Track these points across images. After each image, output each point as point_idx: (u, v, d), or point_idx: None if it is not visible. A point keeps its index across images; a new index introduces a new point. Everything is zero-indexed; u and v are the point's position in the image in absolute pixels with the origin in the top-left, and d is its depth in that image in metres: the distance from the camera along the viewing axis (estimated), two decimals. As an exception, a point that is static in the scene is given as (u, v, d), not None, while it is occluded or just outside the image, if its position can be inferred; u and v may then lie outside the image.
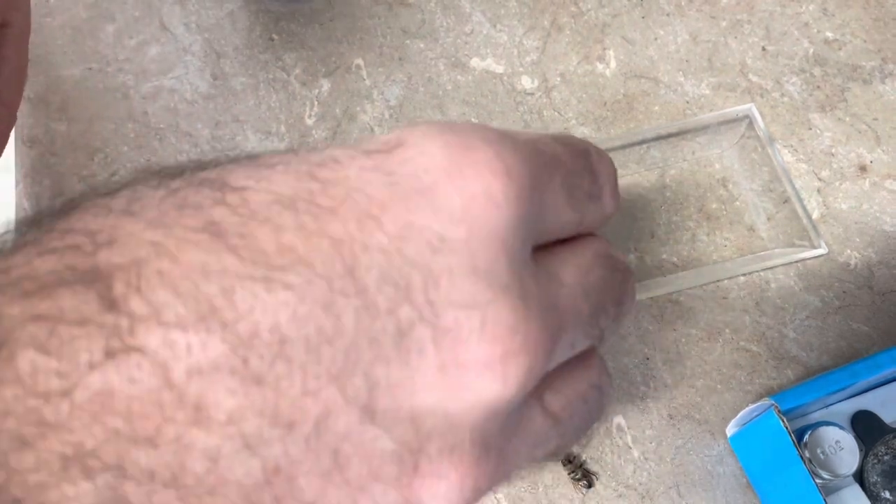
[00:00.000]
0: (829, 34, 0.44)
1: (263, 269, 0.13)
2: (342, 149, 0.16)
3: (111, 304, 0.13)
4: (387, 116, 0.42)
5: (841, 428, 0.32)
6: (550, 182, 0.17)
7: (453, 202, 0.15)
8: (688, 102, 0.42)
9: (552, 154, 0.18)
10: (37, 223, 0.15)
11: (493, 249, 0.15)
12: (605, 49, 0.44)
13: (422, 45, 0.44)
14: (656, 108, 0.42)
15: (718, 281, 0.38)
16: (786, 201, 0.39)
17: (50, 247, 0.14)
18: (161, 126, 0.42)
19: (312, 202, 0.14)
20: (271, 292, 0.13)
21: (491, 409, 0.15)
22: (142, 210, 0.14)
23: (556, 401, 0.18)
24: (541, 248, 0.19)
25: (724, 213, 0.39)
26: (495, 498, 0.34)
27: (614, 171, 0.22)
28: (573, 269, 0.18)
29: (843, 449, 0.31)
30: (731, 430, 0.35)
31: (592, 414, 0.20)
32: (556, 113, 0.42)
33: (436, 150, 0.15)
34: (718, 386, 0.36)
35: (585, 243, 0.20)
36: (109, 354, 0.13)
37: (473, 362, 0.14)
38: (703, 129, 0.40)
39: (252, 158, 0.16)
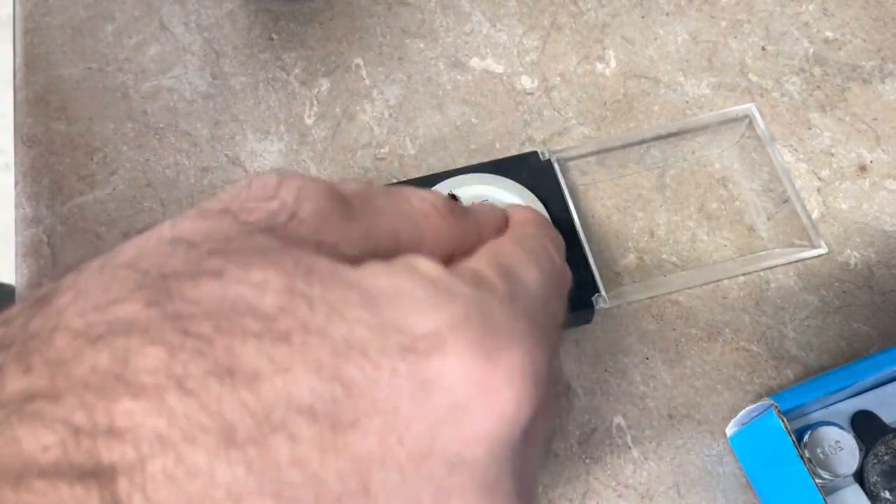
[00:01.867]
0: (829, 34, 0.44)
1: (274, 484, 0.13)
2: (368, 326, 0.14)
3: None
4: (386, 116, 0.42)
5: (841, 428, 0.32)
6: (554, 346, 0.17)
7: (482, 422, 0.15)
8: (687, 102, 0.42)
9: (553, 314, 0.18)
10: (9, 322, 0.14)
11: (505, 462, 0.15)
12: (604, 49, 0.44)
13: (421, 45, 0.44)
14: (656, 107, 0.42)
15: (718, 281, 0.38)
16: (786, 201, 0.38)
17: (39, 413, 0.13)
18: (160, 125, 0.42)
19: (333, 412, 0.14)
20: None
21: None
22: (140, 385, 0.13)
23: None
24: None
25: (724, 212, 0.39)
26: (495, 498, 0.34)
27: (563, 245, 0.23)
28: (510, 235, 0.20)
29: (842, 449, 0.31)
30: (730, 429, 0.35)
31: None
32: (555, 113, 0.42)
33: (474, 362, 0.14)
34: (718, 386, 0.36)
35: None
36: None
37: None
38: (703, 128, 0.40)
39: (250, 288, 0.14)
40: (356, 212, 0.18)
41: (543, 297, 0.18)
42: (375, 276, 0.15)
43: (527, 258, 0.19)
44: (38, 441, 0.12)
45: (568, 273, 0.21)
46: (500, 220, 0.22)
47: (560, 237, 0.23)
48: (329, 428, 0.13)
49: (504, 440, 0.15)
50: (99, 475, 0.12)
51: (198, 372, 0.13)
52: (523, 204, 0.37)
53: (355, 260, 0.16)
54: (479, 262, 0.17)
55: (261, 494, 0.13)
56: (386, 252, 0.17)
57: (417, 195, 0.19)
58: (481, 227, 0.21)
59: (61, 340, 0.14)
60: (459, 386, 0.14)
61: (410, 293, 0.15)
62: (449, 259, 0.19)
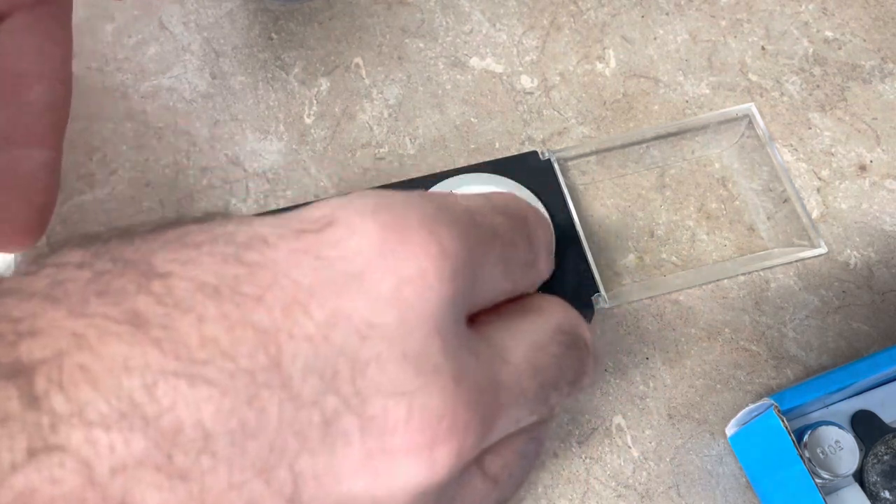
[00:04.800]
0: (829, 33, 0.44)
1: (186, 364, 0.13)
2: (271, 225, 0.15)
3: (33, 401, 0.13)
4: (386, 115, 0.42)
5: (841, 427, 0.32)
6: (486, 256, 0.17)
7: (385, 286, 0.14)
8: (687, 102, 0.42)
9: (490, 226, 0.17)
10: None
11: (424, 333, 0.15)
12: (604, 48, 0.44)
13: (421, 45, 0.44)
14: (656, 107, 0.42)
15: (718, 280, 0.38)
16: (785, 201, 0.38)
17: None
18: (160, 125, 0.42)
19: (237, 290, 0.14)
20: (194, 387, 0.13)
21: (420, 493, 0.15)
22: (64, 296, 0.14)
23: (495, 463, 0.18)
24: (491, 314, 0.18)
25: (724, 212, 0.39)
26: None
27: (551, 235, 0.21)
28: (524, 346, 0.18)
29: (842, 449, 0.31)
30: (730, 429, 0.35)
31: (530, 464, 0.19)
32: (555, 112, 0.42)
33: (368, 231, 0.15)
34: (718, 385, 0.36)
35: (546, 315, 0.19)
36: (32, 454, 0.12)
37: (400, 449, 0.14)
38: (703, 128, 0.40)
39: (179, 231, 0.15)
40: None
41: (481, 213, 0.17)
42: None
43: (472, 197, 0.19)
44: None
45: (543, 220, 0.20)
46: None
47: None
48: (234, 305, 0.14)
49: (418, 307, 0.15)
50: (18, 374, 0.13)
51: (117, 281, 0.14)
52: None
53: None
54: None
55: (174, 376, 0.13)
56: None
57: None
58: None
59: (6, 279, 0.15)
60: (355, 253, 0.15)
61: (316, 203, 0.16)
62: None
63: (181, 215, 0.18)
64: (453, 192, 0.37)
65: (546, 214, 0.37)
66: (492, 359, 0.17)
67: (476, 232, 0.17)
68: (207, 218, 0.17)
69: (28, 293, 0.14)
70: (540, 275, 0.20)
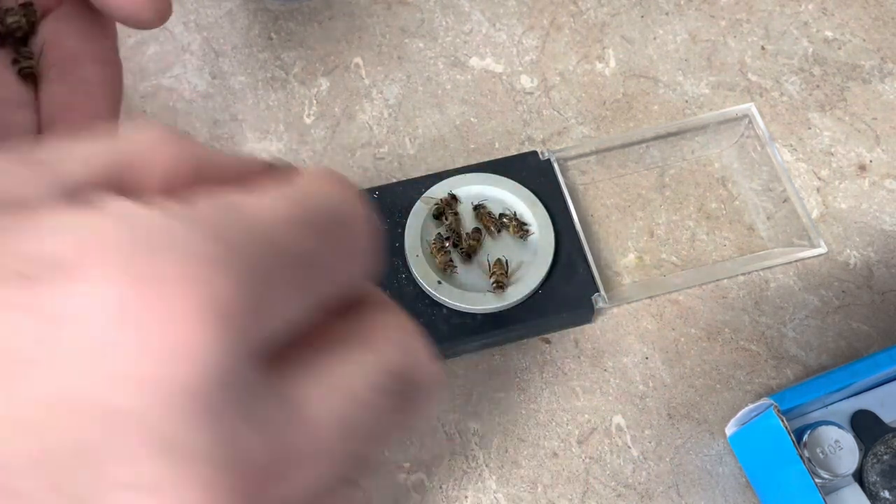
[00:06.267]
0: (829, 33, 0.44)
1: None
2: None
3: None
4: (385, 115, 0.42)
5: (840, 427, 0.32)
6: (286, 291, 0.14)
7: (129, 363, 0.12)
8: (687, 102, 0.42)
9: (295, 250, 0.14)
10: None
11: (182, 414, 0.12)
12: (604, 48, 0.44)
13: (421, 45, 0.44)
14: (655, 107, 0.42)
15: (718, 280, 0.38)
16: (785, 200, 0.38)
17: None
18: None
19: None
20: None
21: None
22: None
23: None
24: (303, 347, 0.15)
25: (724, 212, 0.39)
26: (494, 497, 0.34)
27: (374, 231, 0.16)
28: (334, 399, 0.14)
29: (842, 448, 0.31)
30: (730, 429, 0.35)
31: None
32: (555, 112, 0.42)
33: (113, 289, 0.12)
34: (718, 385, 0.36)
35: (373, 349, 0.15)
36: None
37: None
38: (703, 128, 0.40)
39: None
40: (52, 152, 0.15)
41: (282, 230, 0.14)
42: (25, 213, 0.13)
43: (270, 190, 0.15)
44: None
45: (365, 214, 0.16)
46: (258, 165, 0.17)
47: (355, 188, 0.17)
48: None
49: (173, 387, 0.12)
50: None
51: None
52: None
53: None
54: (200, 195, 0.14)
55: None
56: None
57: (137, 128, 0.16)
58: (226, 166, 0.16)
59: None
60: (94, 318, 0.12)
61: (51, 216, 0.12)
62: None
63: None
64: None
65: (547, 214, 0.37)
66: (284, 424, 0.13)
67: (271, 263, 0.13)
68: None
69: None
70: (359, 281, 0.16)
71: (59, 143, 0.15)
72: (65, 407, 0.11)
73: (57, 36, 0.28)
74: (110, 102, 0.29)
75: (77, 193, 0.14)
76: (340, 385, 0.14)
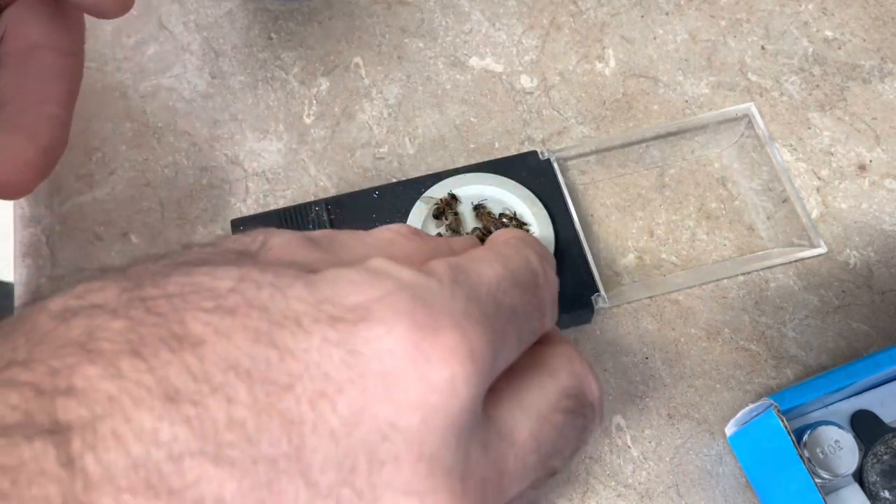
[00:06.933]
0: (829, 33, 0.44)
1: (212, 444, 0.14)
2: (306, 302, 0.15)
3: (69, 461, 0.13)
4: (385, 115, 0.42)
5: (840, 427, 0.32)
6: (507, 339, 0.17)
7: (412, 391, 0.15)
8: (687, 101, 0.42)
9: (510, 306, 0.18)
10: None
11: (442, 436, 0.15)
12: (604, 48, 0.44)
13: (420, 44, 0.44)
14: (655, 107, 0.42)
15: (718, 280, 0.38)
16: (785, 200, 0.38)
17: (12, 379, 0.14)
18: (159, 125, 0.42)
19: (267, 375, 0.14)
20: (217, 466, 0.14)
21: None
22: (99, 353, 0.14)
23: None
24: (501, 381, 0.18)
25: (724, 212, 0.39)
26: (494, 498, 0.34)
27: (556, 288, 0.21)
28: (530, 421, 0.18)
29: (842, 448, 0.31)
30: (730, 429, 0.35)
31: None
32: (555, 112, 0.42)
33: (402, 333, 0.15)
34: (717, 385, 0.36)
35: (552, 375, 0.20)
36: None
37: None
38: (703, 128, 0.40)
39: (208, 277, 0.16)
40: (322, 245, 0.19)
41: (502, 291, 0.18)
42: (327, 273, 0.16)
43: (487, 256, 0.19)
44: (6, 402, 0.13)
45: (550, 277, 0.21)
46: (473, 242, 0.23)
47: (543, 247, 0.22)
48: (263, 391, 0.14)
49: (441, 413, 0.15)
50: (55, 434, 0.13)
51: (152, 339, 0.14)
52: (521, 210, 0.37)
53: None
54: (434, 261, 0.18)
55: (201, 454, 0.14)
56: None
57: (379, 228, 0.21)
58: (452, 245, 0.21)
59: (41, 319, 0.15)
60: (388, 354, 0.15)
61: (350, 276, 0.16)
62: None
63: (210, 240, 0.19)
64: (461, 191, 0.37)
65: (547, 215, 0.37)
66: (500, 447, 0.17)
67: (499, 319, 0.17)
68: (236, 258, 0.17)
69: (63, 342, 0.14)
70: (546, 327, 0.20)
71: (329, 241, 0.20)
72: (359, 419, 0.15)
73: (18, 24, 0.29)
74: (66, 92, 0.30)
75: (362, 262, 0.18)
76: (532, 407, 0.18)
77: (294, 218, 0.37)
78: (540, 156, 0.39)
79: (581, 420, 0.19)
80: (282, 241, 0.19)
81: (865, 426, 0.33)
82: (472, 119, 0.42)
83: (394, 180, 0.40)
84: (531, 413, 0.18)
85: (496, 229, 0.37)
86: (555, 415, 0.18)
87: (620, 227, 0.39)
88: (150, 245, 0.39)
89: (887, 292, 0.38)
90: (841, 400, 0.34)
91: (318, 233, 0.20)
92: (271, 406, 0.14)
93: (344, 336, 0.15)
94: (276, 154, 0.41)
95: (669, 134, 0.40)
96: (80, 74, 0.31)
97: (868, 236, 0.39)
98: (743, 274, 0.38)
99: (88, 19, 0.31)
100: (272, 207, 0.40)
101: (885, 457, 0.32)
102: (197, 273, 0.16)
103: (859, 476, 0.32)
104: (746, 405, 0.33)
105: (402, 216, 0.37)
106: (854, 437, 0.32)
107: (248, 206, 0.40)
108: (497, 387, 0.18)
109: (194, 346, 0.14)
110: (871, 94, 0.42)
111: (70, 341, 0.14)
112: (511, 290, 0.18)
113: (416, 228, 0.21)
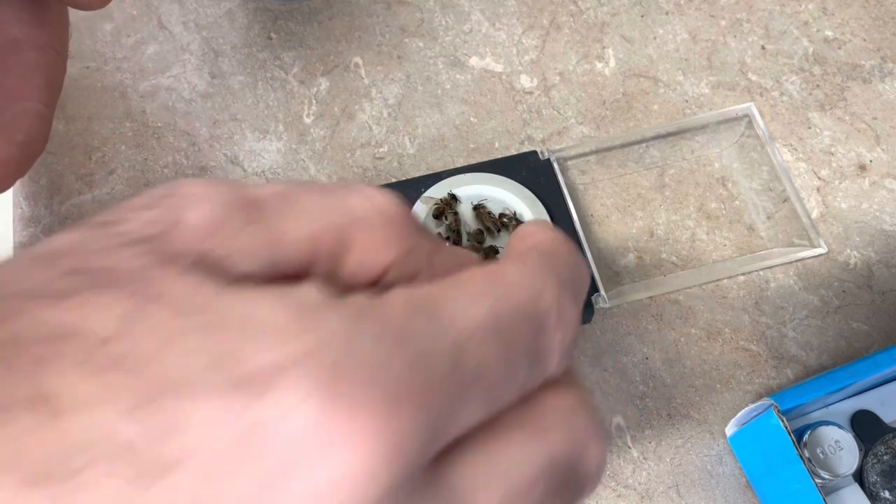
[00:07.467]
0: (829, 33, 0.44)
1: None
2: (204, 357, 0.13)
3: None
4: (385, 115, 0.42)
5: (840, 427, 0.32)
6: (466, 404, 0.14)
7: (321, 483, 0.12)
8: (687, 101, 0.42)
9: (480, 364, 0.14)
10: None
11: None
12: (604, 48, 0.44)
13: (420, 44, 0.44)
14: (655, 107, 0.42)
15: (718, 280, 0.37)
16: (785, 200, 0.38)
17: None
18: (159, 125, 0.42)
19: (144, 459, 0.12)
20: None
21: None
22: None
23: None
24: (468, 441, 0.15)
25: (724, 212, 0.39)
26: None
27: (575, 323, 0.16)
28: (494, 495, 0.14)
29: (842, 448, 0.31)
30: (730, 429, 0.35)
31: None
32: (555, 112, 0.42)
33: (314, 412, 0.12)
34: (718, 385, 0.36)
35: (540, 438, 0.15)
36: None
37: None
38: (703, 128, 0.40)
39: (83, 318, 0.13)
40: (267, 217, 0.15)
41: (475, 343, 0.14)
42: (240, 300, 0.13)
43: (476, 287, 0.15)
44: None
45: (568, 314, 0.16)
46: (470, 259, 0.18)
47: (577, 267, 0.17)
48: (136, 475, 0.12)
49: (354, 499, 0.12)
50: None
51: (9, 402, 0.12)
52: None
53: (246, 277, 0.14)
54: (396, 289, 0.14)
55: None
56: (296, 265, 0.15)
57: (361, 193, 0.16)
58: (436, 258, 0.17)
59: None
60: (294, 433, 0.12)
61: (265, 321, 0.13)
62: (379, 279, 0.16)
63: (111, 214, 0.17)
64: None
65: (548, 217, 0.37)
66: None
67: (455, 383, 0.14)
68: (135, 256, 0.14)
69: None
70: (547, 374, 0.16)
71: (282, 205, 0.15)
72: None
73: (0, 20, 0.29)
74: (46, 87, 0.30)
75: (287, 265, 0.15)
76: (502, 479, 0.14)
77: (294, 218, 0.37)
78: (540, 156, 0.39)
79: (569, 496, 0.16)
80: (202, 218, 0.15)
81: (865, 426, 0.33)
82: (471, 119, 0.42)
83: (393, 180, 0.40)
84: (499, 486, 0.14)
85: (496, 230, 0.37)
86: (534, 490, 0.15)
87: (620, 227, 0.39)
88: (150, 245, 0.39)
89: (887, 292, 0.38)
90: (841, 400, 0.34)
91: (267, 191, 0.16)
92: (144, 496, 0.12)
93: (242, 409, 0.12)
94: (275, 154, 0.41)
95: (669, 134, 0.40)
96: (63, 69, 0.31)
97: (868, 236, 0.39)
98: (743, 274, 0.38)
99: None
100: (272, 207, 0.40)
101: (885, 457, 0.32)
102: (70, 303, 0.13)
103: (859, 476, 0.32)
104: (746, 405, 0.33)
105: (402, 216, 0.37)
106: (854, 437, 0.32)
107: (247, 206, 0.40)
108: (464, 445, 0.14)
109: (62, 413, 0.12)
110: (871, 93, 0.42)
111: None
112: (489, 343, 0.14)
113: (404, 208, 0.16)
